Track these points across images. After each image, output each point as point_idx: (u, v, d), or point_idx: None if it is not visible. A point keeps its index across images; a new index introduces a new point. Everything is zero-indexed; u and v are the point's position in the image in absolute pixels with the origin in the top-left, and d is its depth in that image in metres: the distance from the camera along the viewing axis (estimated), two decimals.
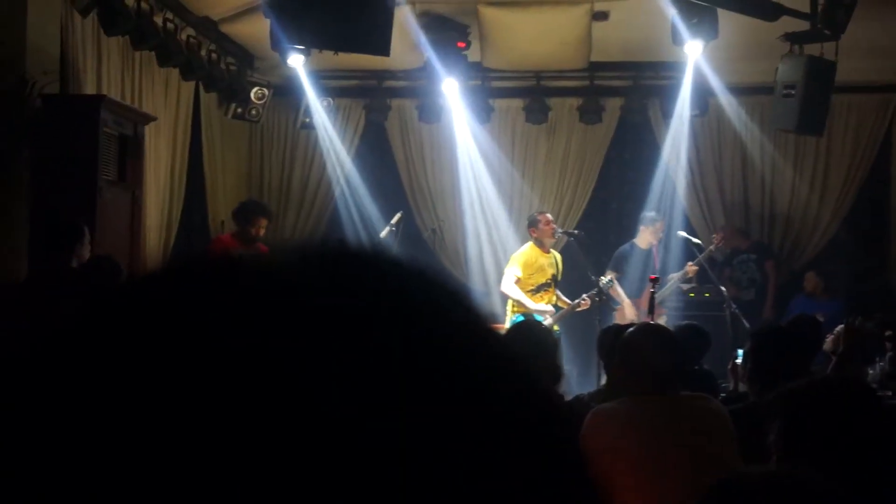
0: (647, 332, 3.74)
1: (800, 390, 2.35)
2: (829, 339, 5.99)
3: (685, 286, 9.26)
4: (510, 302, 8.40)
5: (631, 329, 3.75)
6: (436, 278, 0.52)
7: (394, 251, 5.50)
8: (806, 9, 7.34)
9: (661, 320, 8.69)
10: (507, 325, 8.09)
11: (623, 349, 3.60)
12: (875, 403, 2.33)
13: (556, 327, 8.19)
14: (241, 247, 7.68)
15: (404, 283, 0.51)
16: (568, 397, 4.69)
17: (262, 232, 7.90)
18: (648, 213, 9.38)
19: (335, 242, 0.53)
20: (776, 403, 2.39)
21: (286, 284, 0.49)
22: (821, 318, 7.58)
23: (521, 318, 7.94)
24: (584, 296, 8.30)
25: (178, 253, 8.95)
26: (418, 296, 0.51)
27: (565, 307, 8.38)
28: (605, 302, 8.47)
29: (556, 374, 3.64)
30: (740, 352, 5.82)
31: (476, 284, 10.53)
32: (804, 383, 2.42)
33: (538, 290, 8.35)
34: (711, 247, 9.15)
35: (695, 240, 9.11)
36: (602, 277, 8.43)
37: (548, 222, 8.45)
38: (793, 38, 7.72)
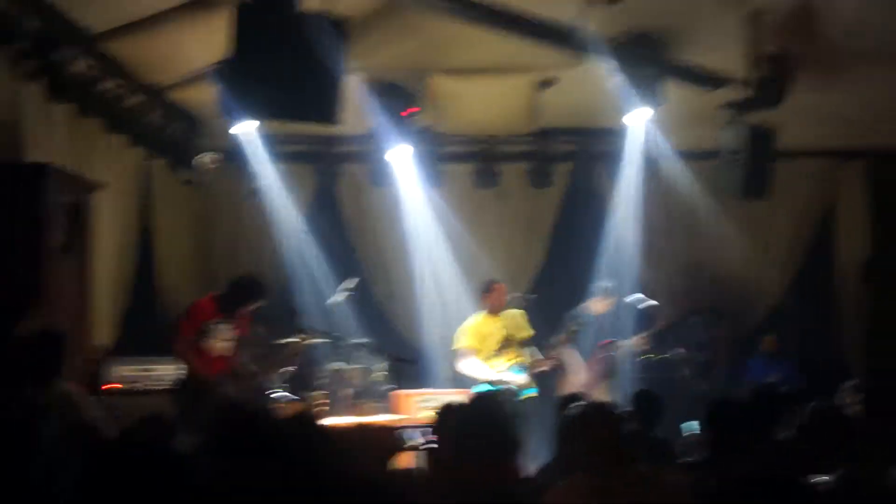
0: (593, 410, 3.73)
1: None
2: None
3: (636, 352, 9.28)
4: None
5: (576, 406, 3.75)
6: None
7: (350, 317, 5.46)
8: (747, 76, 7.52)
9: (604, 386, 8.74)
10: (474, 390, 8.06)
11: (571, 426, 3.59)
12: None
13: (531, 385, 8.17)
14: (220, 316, 7.50)
15: None
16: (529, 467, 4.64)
17: (248, 312, 7.68)
18: (602, 283, 9.38)
19: None
20: None
21: None
22: (773, 379, 7.68)
23: (484, 388, 7.92)
24: (545, 356, 8.33)
25: (132, 320, 8.81)
26: None
27: (530, 365, 8.35)
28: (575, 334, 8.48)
29: (511, 447, 3.61)
30: (694, 424, 5.85)
31: (430, 348, 10.48)
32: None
33: (499, 353, 8.32)
34: (662, 322, 9.17)
35: (650, 301, 9.12)
36: (562, 336, 8.46)
37: (503, 293, 8.47)
38: (734, 106, 7.90)
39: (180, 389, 7.32)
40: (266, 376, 7.88)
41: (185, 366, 7.40)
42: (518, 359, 8.36)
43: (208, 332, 7.43)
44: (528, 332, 8.50)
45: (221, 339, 7.48)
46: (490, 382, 8.11)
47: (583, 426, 3.54)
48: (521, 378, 8.18)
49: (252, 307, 7.61)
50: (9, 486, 2.81)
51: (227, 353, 7.58)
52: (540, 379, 8.42)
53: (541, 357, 8.38)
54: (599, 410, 3.83)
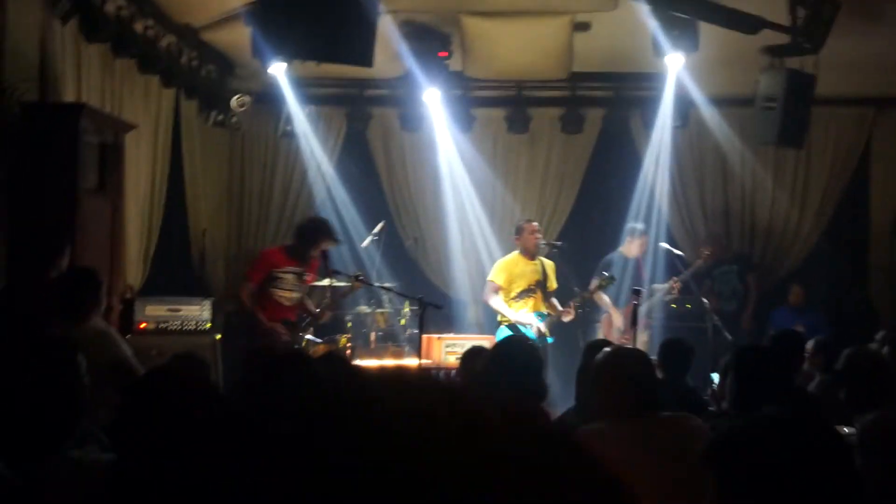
0: (622, 355, 3.73)
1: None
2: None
3: (667, 297, 9.28)
4: (499, 313, 8.43)
5: (606, 351, 3.73)
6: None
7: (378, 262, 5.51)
8: (786, 22, 7.39)
9: (646, 334, 8.74)
10: (496, 335, 8.10)
11: (599, 371, 3.58)
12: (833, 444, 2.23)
13: (547, 334, 8.22)
14: (292, 264, 7.60)
15: None
16: (553, 413, 4.67)
17: (319, 253, 7.72)
18: (636, 225, 9.40)
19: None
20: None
21: None
22: (801, 329, 7.63)
23: (508, 331, 7.96)
24: (570, 303, 8.35)
25: (159, 261, 8.89)
26: None
27: (552, 314, 8.39)
28: (588, 313, 8.51)
29: (542, 391, 3.63)
30: (715, 376, 5.85)
31: (459, 294, 10.53)
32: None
33: (520, 296, 8.37)
34: (699, 261, 9.13)
35: (677, 252, 9.12)
36: (593, 284, 8.50)
37: (532, 231, 8.50)
38: (773, 51, 7.77)
39: (238, 336, 7.47)
40: (323, 319, 8.00)
41: (246, 313, 7.53)
42: (540, 307, 8.39)
43: (276, 280, 7.53)
44: (553, 283, 8.54)
45: (289, 288, 7.60)
46: (510, 323, 8.16)
47: (611, 370, 3.53)
48: (541, 325, 8.21)
49: (321, 249, 7.65)
50: (45, 423, 2.85)
51: (294, 303, 7.70)
52: (558, 328, 8.45)
53: (561, 308, 8.39)
54: (628, 355, 3.83)
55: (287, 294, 7.68)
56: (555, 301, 8.50)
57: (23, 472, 2.53)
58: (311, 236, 7.65)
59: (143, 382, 2.86)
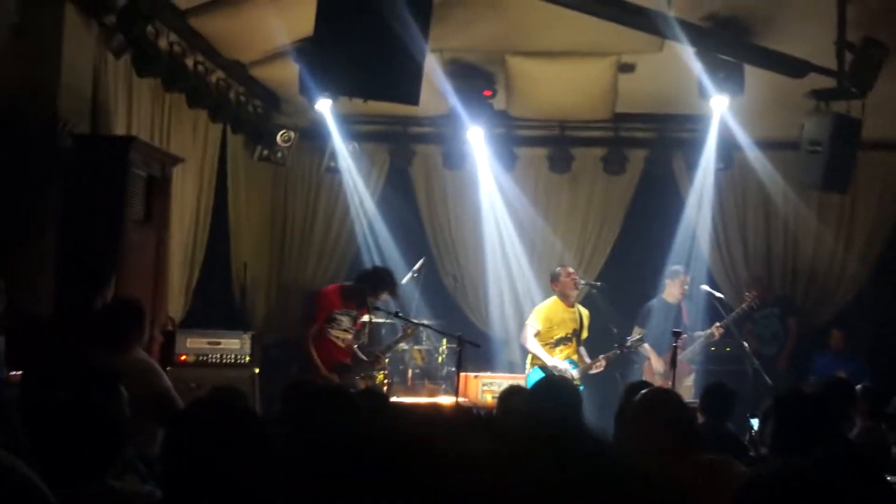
0: (658, 395, 3.70)
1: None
2: None
3: (709, 341, 9.17)
4: (529, 355, 8.38)
5: (643, 392, 3.72)
6: None
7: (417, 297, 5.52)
8: (833, 66, 7.35)
9: (690, 378, 8.65)
10: (526, 376, 8.06)
11: (636, 412, 3.56)
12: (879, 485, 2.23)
13: (577, 383, 8.15)
14: (350, 307, 7.62)
15: None
16: None
17: (375, 303, 7.70)
18: (674, 267, 9.33)
19: None
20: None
21: None
22: (842, 375, 7.52)
23: (541, 372, 7.91)
24: (601, 357, 8.27)
25: (201, 293, 8.97)
26: None
27: (582, 365, 8.32)
28: (626, 353, 8.43)
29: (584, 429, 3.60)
30: (755, 421, 5.78)
31: (497, 333, 10.51)
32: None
33: (557, 344, 8.31)
34: (743, 305, 9.01)
35: (718, 294, 9.02)
36: (630, 337, 8.42)
37: (569, 275, 8.43)
38: (819, 94, 7.72)
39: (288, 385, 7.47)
40: (371, 367, 7.94)
41: (301, 352, 7.55)
42: (573, 355, 8.34)
43: (333, 321, 7.57)
44: (586, 332, 8.49)
45: (345, 329, 7.63)
46: (543, 365, 8.10)
47: (650, 408, 3.51)
48: (573, 373, 8.14)
49: (376, 300, 7.66)
50: (86, 451, 2.88)
51: (347, 344, 7.72)
52: (589, 377, 8.38)
53: (589, 360, 8.34)
54: (666, 394, 3.80)
55: (343, 335, 7.70)
56: (583, 351, 8.45)
57: (62, 499, 2.56)
58: (376, 285, 7.64)
59: (188, 413, 2.89)
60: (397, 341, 8.19)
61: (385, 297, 7.69)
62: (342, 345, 7.70)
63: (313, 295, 8.38)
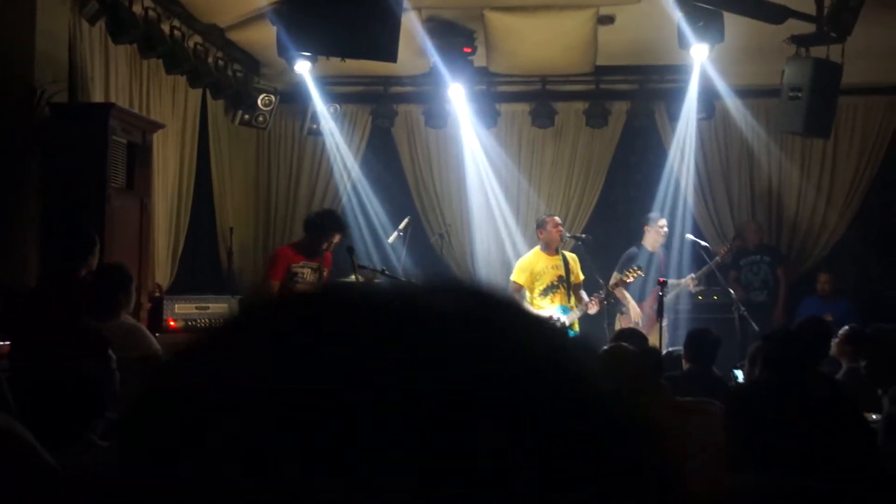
0: (619, 354, 3.73)
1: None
2: (834, 342, 6.01)
3: (694, 289, 9.22)
4: None
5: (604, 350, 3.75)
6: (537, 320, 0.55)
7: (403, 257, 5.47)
8: (812, 11, 7.35)
9: (665, 319, 8.70)
10: None
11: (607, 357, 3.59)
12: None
13: (575, 327, 8.21)
14: (305, 259, 7.51)
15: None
16: None
17: (331, 248, 7.60)
18: (650, 214, 9.37)
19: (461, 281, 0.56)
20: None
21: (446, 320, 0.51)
22: (829, 318, 7.59)
23: None
24: (593, 296, 8.32)
25: (186, 259, 8.98)
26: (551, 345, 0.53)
27: (575, 310, 8.36)
28: (612, 305, 8.48)
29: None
30: (738, 373, 5.84)
31: None
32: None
33: (545, 293, 8.34)
34: (717, 258, 9.05)
35: (703, 243, 9.08)
36: (613, 280, 8.47)
37: (555, 225, 8.45)
38: (798, 40, 7.73)
39: None
40: None
41: None
42: (565, 301, 8.37)
43: (294, 275, 7.48)
44: (579, 277, 8.51)
45: (308, 281, 7.54)
46: None
47: (620, 357, 3.54)
48: (565, 318, 8.19)
49: (332, 242, 7.56)
50: (72, 411, 2.90)
51: None
52: (584, 321, 8.42)
53: (587, 300, 8.37)
54: (622, 352, 3.83)
55: (307, 288, 7.62)
56: (583, 293, 8.47)
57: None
58: (320, 229, 7.55)
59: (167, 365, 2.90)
60: None
61: (337, 238, 7.58)
62: None
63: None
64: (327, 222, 7.56)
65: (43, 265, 6.26)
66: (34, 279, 6.21)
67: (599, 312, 8.43)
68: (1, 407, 3.30)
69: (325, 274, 7.69)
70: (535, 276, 8.35)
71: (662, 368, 3.89)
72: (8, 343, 5.15)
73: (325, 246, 7.46)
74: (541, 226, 8.53)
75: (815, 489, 1.59)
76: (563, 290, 8.40)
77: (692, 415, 3.41)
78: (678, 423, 3.28)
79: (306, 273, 7.51)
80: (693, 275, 8.88)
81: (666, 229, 9.09)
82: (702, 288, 9.23)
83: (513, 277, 8.41)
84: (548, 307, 8.25)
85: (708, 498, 1.62)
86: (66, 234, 5.81)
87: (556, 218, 8.62)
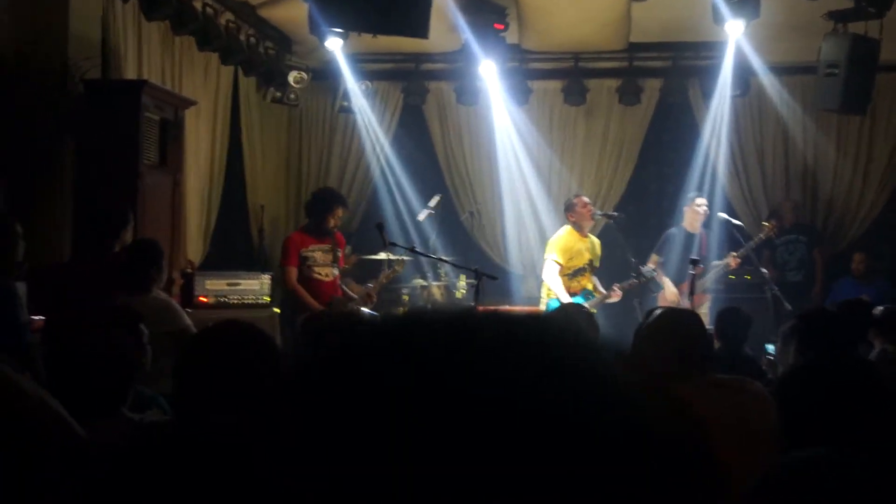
0: (671, 316, 3.67)
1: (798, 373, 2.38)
2: None
3: (735, 267, 9.10)
4: (545, 286, 8.33)
5: (655, 313, 3.67)
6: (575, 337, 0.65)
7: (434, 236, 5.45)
8: None
9: (705, 306, 8.62)
10: (543, 308, 8.04)
11: (648, 333, 3.52)
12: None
13: (593, 311, 8.13)
14: (315, 242, 7.50)
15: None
16: None
17: (338, 223, 7.58)
18: (689, 194, 9.26)
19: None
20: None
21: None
22: (866, 300, 7.49)
23: (557, 303, 7.89)
24: (616, 286, 8.19)
25: (218, 236, 9.02)
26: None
27: (598, 296, 8.27)
28: (644, 285, 8.39)
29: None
30: (770, 347, 5.77)
31: (514, 268, 10.53)
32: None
33: (574, 275, 8.25)
34: (761, 234, 8.91)
35: (736, 222, 8.94)
36: (646, 266, 8.37)
37: (584, 205, 8.31)
38: (836, 16, 7.62)
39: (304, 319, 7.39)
40: (373, 298, 7.83)
41: (297, 302, 7.41)
42: (589, 285, 8.30)
43: (307, 259, 7.48)
44: (598, 261, 8.42)
45: (322, 264, 7.54)
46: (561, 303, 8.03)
47: (666, 326, 3.48)
48: (588, 304, 8.09)
49: (337, 217, 7.54)
50: (109, 390, 2.92)
51: (332, 277, 7.60)
52: (606, 308, 8.34)
53: (604, 290, 8.28)
54: (684, 315, 3.78)
55: (325, 270, 7.58)
56: (596, 281, 8.39)
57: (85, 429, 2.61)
58: (319, 207, 7.53)
59: (201, 333, 2.91)
60: (389, 275, 8.04)
61: (340, 212, 7.54)
62: (326, 279, 7.56)
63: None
64: (325, 199, 7.55)
65: (76, 241, 6.31)
66: (68, 255, 6.26)
67: (630, 291, 8.34)
68: (34, 379, 3.33)
69: (339, 255, 7.66)
70: (571, 256, 8.23)
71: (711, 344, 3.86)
72: (42, 318, 5.20)
73: (331, 223, 7.43)
74: (569, 208, 8.36)
75: (859, 465, 1.58)
76: (589, 273, 8.33)
77: (733, 392, 3.37)
78: (719, 399, 3.25)
79: (318, 255, 7.50)
80: (734, 253, 8.77)
81: (705, 208, 8.96)
82: (737, 267, 9.10)
83: (554, 258, 8.18)
84: (575, 289, 8.15)
85: (750, 474, 1.62)
86: (99, 211, 5.86)
87: (585, 198, 8.47)
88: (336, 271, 7.60)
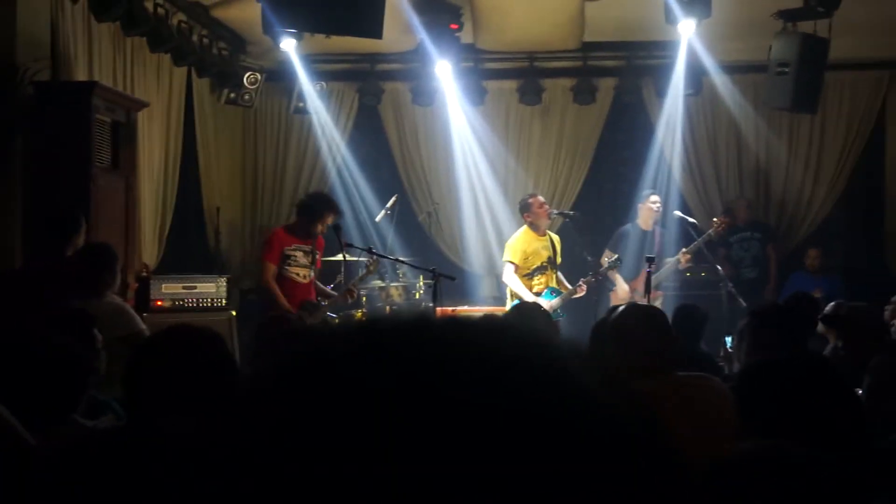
0: (638, 313, 3.68)
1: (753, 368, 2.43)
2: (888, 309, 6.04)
3: (685, 265, 9.19)
4: (509, 289, 8.35)
5: (621, 309, 3.68)
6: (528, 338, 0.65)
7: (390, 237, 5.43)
8: None
9: (658, 302, 8.67)
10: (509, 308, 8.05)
11: (614, 330, 3.53)
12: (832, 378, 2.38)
13: (558, 310, 8.15)
14: (298, 242, 7.47)
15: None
16: None
17: (324, 229, 7.54)
18: (644, 191, 9.34)
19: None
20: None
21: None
22: (818, 295, 7.59)
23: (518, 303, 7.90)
24: (581, 281, 8.24)
25: (173, 239, 8.94)
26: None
27: (564, 291, 8.31)
28: (602, 283, 8.44)
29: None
30: (728, 339, 5.84)
31: (472, 267, 10.54)
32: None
33: (533, 273, 8.27)
34: (710, 231, 9.01)
35: (690, 220, 9.03)
36: (604, 258, 8.44)
37: (540, 205, 8.33)
38: (786, 15, 7.72)
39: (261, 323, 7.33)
40: (343, 301, 7.83)
41: (270, 299, 7.37)
42: (552, 283, 8.32)
43: (288, 258, 7.46)
44: (559, 258, 8.46)
45: (301, 265, 7.52)
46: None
47: (627, 329, 3.49)
48: (552, 302, 8.12)
49: (325, 224, 7.53)
50: (61, 395, 2.88)
51: (309, 279, 7.59)
52: (570, 305, 8.37)
53: (570, 286, 8.31)
54: (649, 311, 3.79)
55: (302, 271, 7.59)
56: (561, 277, 8.42)
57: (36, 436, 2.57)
58: (312, 211, 7.52)
59: (152, 337, 2.88)
60: (363, 276, 8.07)
61: (330, 219, 7.56)
62: (303, 280, 7.57)
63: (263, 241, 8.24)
64: (319, 204, 7.56)
65: (28, 245, 6.22)
66: (19, 260, 6.17)
67: (588, 290, 8.38)
68: None
69: (317, 257, 7.66)
70: (528, 256, 8.25)
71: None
72: None
73: (318, 228, 7.45)
74: (525, 208, 8.38)
75: (811, 458, 1.61)
76: (551, 271, 8.35)
77: (697, 389, 3.40)
78: (686, 396, 3.28)
79: (298, 256, 7.49)
80: (684, 249, 8.85)
81: (659, 206, 9.03)
82: (691, 264, 9.20)
83: (509, 258, 8.20)
84: (535, 288, 8.18)
85: (710, 464, 1.64)
86: (50, 215, 5.78)
87: (540, 197, 8.49)
88: (312, 273, 7.59)
